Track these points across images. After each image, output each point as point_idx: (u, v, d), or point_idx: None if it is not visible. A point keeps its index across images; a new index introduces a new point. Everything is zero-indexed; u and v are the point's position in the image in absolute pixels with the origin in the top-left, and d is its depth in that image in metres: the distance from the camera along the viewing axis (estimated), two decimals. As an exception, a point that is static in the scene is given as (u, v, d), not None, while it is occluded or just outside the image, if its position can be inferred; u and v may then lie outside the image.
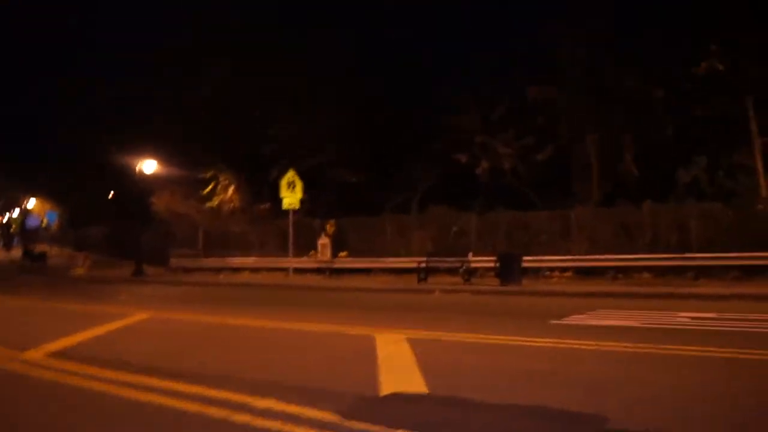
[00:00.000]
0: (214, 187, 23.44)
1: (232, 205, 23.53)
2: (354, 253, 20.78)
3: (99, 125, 28.01)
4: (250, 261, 22.73)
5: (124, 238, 31.51)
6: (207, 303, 13.17)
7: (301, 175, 19.51)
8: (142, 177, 23.80)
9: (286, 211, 19.34)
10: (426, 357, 5.82)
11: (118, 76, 26.62)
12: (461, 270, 16.42)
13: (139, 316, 9.79)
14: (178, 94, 23.38)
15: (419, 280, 16.78)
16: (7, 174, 39.44)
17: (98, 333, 7.92)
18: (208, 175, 23.17)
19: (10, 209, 42.56)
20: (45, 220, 36.55)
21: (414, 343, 6.57)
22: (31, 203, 39.96)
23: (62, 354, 6.32)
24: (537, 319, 8.90)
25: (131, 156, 23.65)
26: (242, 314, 9.97)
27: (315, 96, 22.13)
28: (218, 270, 22.89)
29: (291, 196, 19.04)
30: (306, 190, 19.90)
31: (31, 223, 35.92)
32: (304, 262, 21.07)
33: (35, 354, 6.35)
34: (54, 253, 40.97)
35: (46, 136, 35.24)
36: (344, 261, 20.53)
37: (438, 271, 17.33)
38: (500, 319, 9.55)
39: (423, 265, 17.05)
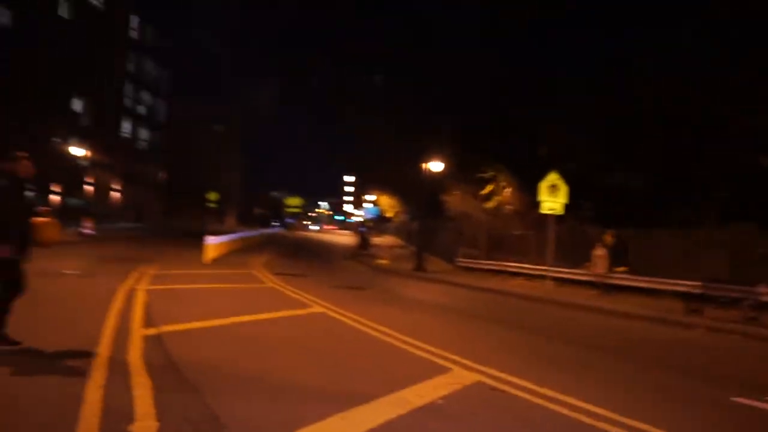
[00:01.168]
0: (494, 188, 23.14)
1: (511, 207, 22.86)
2: (634, 269, 18.03)
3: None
4: (525, 267, 21.78)
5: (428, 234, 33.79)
6: (430, 309, 12.91)
7: (577, 179, 17.73)
8: (431, 175, 24.91)
9: (564, 216, 17.90)
10: None
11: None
12: (745, 304, 12.69)
13: (314, 309, 10.30)
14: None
15: (690, 311, 13.56)
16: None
17: (245, 319, 8.56)
18: (488, 175, 22.95)
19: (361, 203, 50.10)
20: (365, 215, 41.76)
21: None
22: (370, 197, 45.97)
23: (173, 333, 7.03)
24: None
25: (423, 155, 24.93)
26: (419, 329, 9.44)
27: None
28: (496, 272, 22.57)
29: (552, 201, 17.44)
30: (584, 195, 18.02)
31: (368, 215, 41.24)
32: (577, 273, 19.22)
33: (141, 332, 7.18)
34: (387, 242, 46.21)
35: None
36: (620, 277, 17.97)
37: (720, 301, 13.77)
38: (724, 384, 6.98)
39: (697, 291, 13.75)
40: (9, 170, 5.90)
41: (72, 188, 35.91)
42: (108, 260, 17.29)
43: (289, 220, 78.76)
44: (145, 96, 57.00)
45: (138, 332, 7.10)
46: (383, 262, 28.42)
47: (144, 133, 57.13)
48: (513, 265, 22.33)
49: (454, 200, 27.07)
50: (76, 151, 33.19)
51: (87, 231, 28.55)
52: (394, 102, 31.14)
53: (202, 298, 11.13)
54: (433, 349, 7.31)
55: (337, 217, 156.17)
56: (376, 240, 49.91)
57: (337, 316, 9.64)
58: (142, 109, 56.39)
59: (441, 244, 30.28)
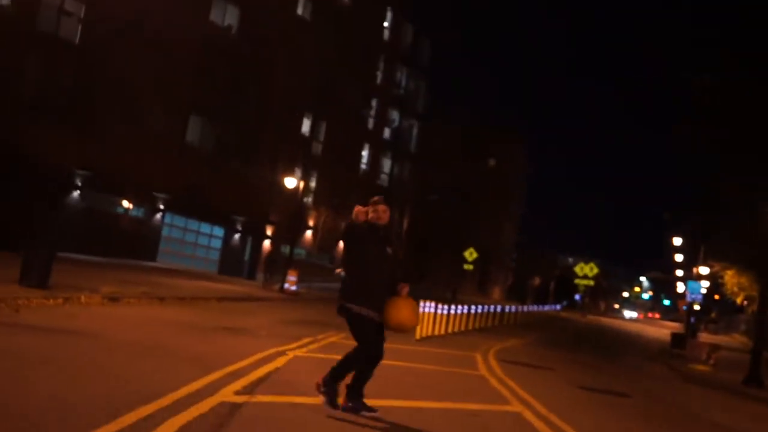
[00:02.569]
0: None
1: None
2: None
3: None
4: None
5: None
6: None
7: None
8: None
9: None
10: None
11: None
12: None
13: (510, 407, 9.90)
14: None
15: None
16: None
17: None
18: None
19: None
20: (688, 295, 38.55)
21: None
22: (704, 270, 42.73)
23: (267, 405, 7.38)
24: None
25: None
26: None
27: None
28: None
29: None
30: None
31: (692, 294, 38.30)
32: None
33: (227, 397, 7.66)
34: (728, 342, 42.63)
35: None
36: None
37: None
38: None
39: None
40: (358, 218, 7.55)
41: (289, 232, 39.87)
42: (288, 322, 18.84)
43: (577, 298, 77.25)
44: (393, 114, 61.82)
45: (221, 396, 7.56)
46: (700, 367, 26.32)
47: (387, 165, 61.79)
48: None
49: None
50: (291, 182, 36.90)
51: (289, 287, 31.52)
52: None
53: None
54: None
55: (665, 302, 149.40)
56: (709, 337, 46.48)
57: (535, 422, 9.13)
58: (386, 133, 61.21)
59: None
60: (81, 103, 32.95)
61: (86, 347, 10.01)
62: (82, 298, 16.00)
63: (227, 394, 7.73)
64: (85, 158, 32.62)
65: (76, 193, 33.97)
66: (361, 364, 7.58)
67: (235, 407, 7.20)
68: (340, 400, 7.57)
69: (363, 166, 57.83)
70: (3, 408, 6.13)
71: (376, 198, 7.76)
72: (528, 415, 9.63)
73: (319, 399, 7.53)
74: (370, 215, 7.54)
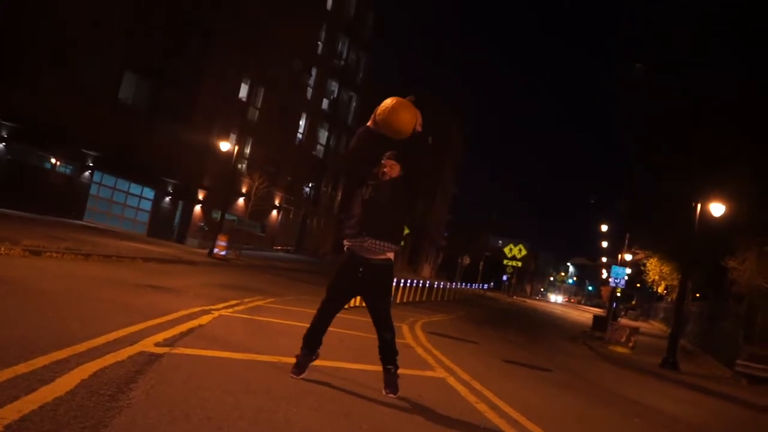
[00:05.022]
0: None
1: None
2: None
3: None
4: None
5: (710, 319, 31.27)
6: (643, 415, 11.95)
7: None
8: (709, 226, 23.15)
9: None
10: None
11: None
12: None
13: (434, 373, 9.95)
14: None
15: None
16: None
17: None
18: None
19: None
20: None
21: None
22: (628, 257, 43.90)
23: (182, 356, 7.22)
24: None
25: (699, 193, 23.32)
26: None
27: None
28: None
29: None
30: None
31: (616, 279, 39.14)
32: None
33: (147, 347, 7.48)
34: (646, 328, 43.78)
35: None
36: None
37: None
38: None
39: None
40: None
41: (219, 197, 39.44)
42: (216, 285, 18.59)
43: (504, 278, 78.44)
44: (332, 85, 61.39)
45: (141, 347, 7.40)
46: (620, 350, 26.87)
47: (323, 136, 61.48)
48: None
49: (746, 268, 24.71)
50: (226, 147, 36.51)
51: (219, 252, 31.21)
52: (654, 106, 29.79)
53: (281, 333, 11.50)
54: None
55: (590, 288, 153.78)
56: (629, 323, 47.59)
57: (458, 387, 9.23)
58: (324, 104, 60.82)
59: (720, 336, 27.87)
60: (9, 49, 31.76)
61: (1, 294, 9.70)
62: (2, 249, 15.50)
63: (147, 345, 7.58)
64: (12, 108, 31.57)
65: (1, 145, 32.90)
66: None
67: (154, 357, 7.05)
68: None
69: (299, 136, 57.30)
70: None
71: (387, 153, 7.75)
72: (452, 381, 9.72)
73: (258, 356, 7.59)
74: (382, 170, 7.62)
